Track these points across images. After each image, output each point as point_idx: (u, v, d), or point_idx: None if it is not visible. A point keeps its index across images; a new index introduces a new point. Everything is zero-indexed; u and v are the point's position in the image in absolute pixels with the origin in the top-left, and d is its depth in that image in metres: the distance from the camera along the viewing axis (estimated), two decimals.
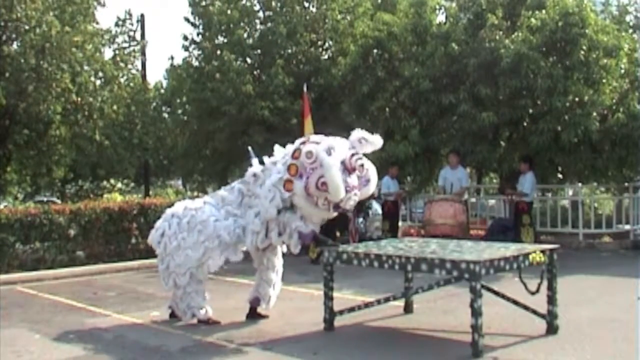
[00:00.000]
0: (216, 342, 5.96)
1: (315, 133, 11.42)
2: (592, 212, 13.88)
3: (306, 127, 11.35)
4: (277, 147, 6.69)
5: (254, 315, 6.85)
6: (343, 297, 7.32)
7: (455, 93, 12.02)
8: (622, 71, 12.05)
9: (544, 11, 11.74)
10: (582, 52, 11.22)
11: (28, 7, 12.82)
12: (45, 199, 25.14)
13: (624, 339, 5.66)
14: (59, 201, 23.86)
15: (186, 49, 15.59)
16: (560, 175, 13.59)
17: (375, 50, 13.39)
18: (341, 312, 6.29)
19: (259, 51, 15.03)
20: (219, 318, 6.71)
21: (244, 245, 6.55)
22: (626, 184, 13.35)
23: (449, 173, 11.41)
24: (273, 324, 6.62)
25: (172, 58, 16.64)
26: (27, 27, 13.05)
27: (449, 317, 6.68)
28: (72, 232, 11.17)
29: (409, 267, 5.75)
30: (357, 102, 13.20)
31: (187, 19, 15.60)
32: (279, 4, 15.17)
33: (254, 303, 6.87)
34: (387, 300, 6.31)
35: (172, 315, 6.95)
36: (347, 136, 6.48)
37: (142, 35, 16.97)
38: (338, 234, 11.80)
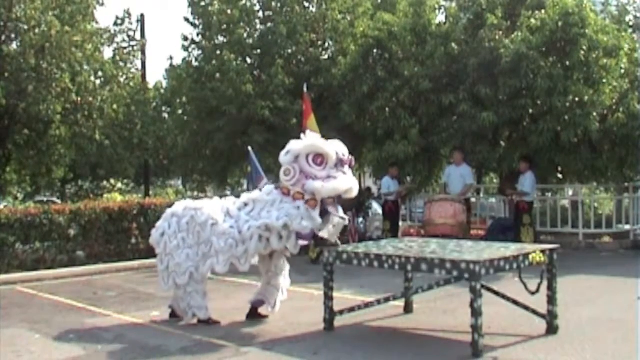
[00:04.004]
0: (216, 342, 5.95)
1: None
2: (592, 212, 13.88)
3: (309, 126, 11.35)
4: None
5: (254, 315, 6.83)
6: (343, 297, 7.31)
7: (455, 93, 12.02)
8: (622, 71, 12.05)
9: (543, 11, 11.74)
10: (582, 52, 11.22)
11: (28, 6, 12.82)
12: (45, 199, 25.15)
13: (624, 339, 5.66)
14: (59, 201, 23.88)
15: (186, 49, 15.58)
16: (560, 175, 13.59)
17: (375, 50, 13.39)
18: (341, 312, 6.29)
19: (259, 51, 15.01)
20: (219, 318, 6.71)
21: (245, 255, 6.38)
22: (626, 184, 13.35)
23: (453, 170, 11.42)
24: (273, 324, 6.62)
25: (171, 58, 16.66)
26: (26, 27, 13.05)
27: (449, 317, 6.68)
28: (72, 232, 11.17)
29: (409, 267, 5.75)
30: (357, 102, 13.19)
31: (187, 19, 15.60)
32: (279, 4, 15.16)
33: (257, 304, 6.83)
34: (387, 300, 6.32)
35: (173, 315, 6.94)
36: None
37: (142, 35, 16.98)
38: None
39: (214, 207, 6.61)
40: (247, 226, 6.32)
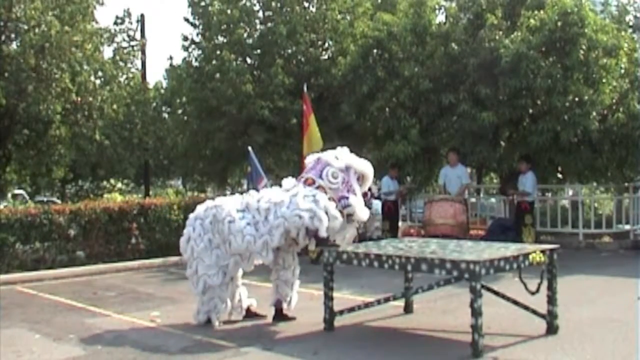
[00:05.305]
0: (216, 342, 5.96)
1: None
2: (592, 212, 13.87)
3: (311, 126, 11.36)
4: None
5: (279, 316, 6.76)
6: (343, 297, 7.32)
7: (455, 93, 12.02)
8: (622, 71, 12.05)
9: (542, 11, 11.74)
10: (582, 52, 11.22)
11: (27, 6, 12.80)
12: (45, 199, 25.17)
13: (624, 339, 5.67)
14: (59, 201, 23.89)
15: (186, 49, 15.58)
16: (560, 175, 13.59)
17: (375, 50, 13.38)
18: (341, 312, 6.29)
19: (259, 51, 15.01)
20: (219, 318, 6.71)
21: (266, 247, 6.31)
22: (626, 184, 13.35)
23: (449, 171, 11.43)
24: (273, 324, 6.63)
25: (171, 58, 16.66)
26: (26, 27, 13.04)
27: (449, 317, 6.69)
28: (72, 232, 11.16)
29: (409, 267, 5.75)
30: (357, 102, 13.19)
31: (187, 19, 15.60)
32: (279, 4, 15.16)
33: (278, 305, 6.79)
34: (387, 300, 6.32)
35: (249, 312, 6.90)
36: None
37: (142, 35, 16.98)
38: None
39: (232, 204, 6.54)
40: (272, 215, 6.24)
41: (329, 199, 6.24)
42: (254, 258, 6.45)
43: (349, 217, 6.32)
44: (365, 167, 6.60)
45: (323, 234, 6.12)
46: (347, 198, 6.28)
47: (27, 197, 25.90)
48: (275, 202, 6.33)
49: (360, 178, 6.56)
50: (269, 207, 6.32)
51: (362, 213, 6.38)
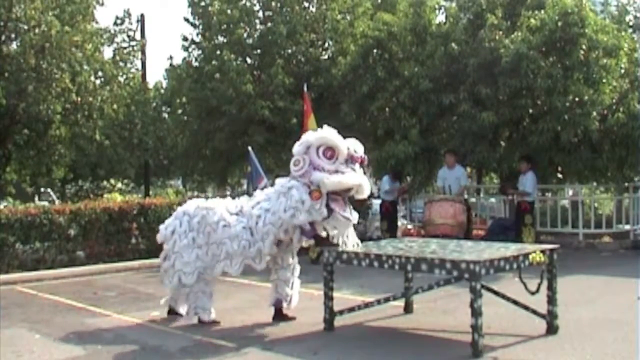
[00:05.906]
0: (216, 342, 5.96)
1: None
2: (592, 212, 13.86)
3: (310, 126, 11.36)
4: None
5: (279, 316, 6.75)
6: (343, 297, 7.32)
7: (455, 93, 12.02)
8: (622, 71, 12.04)
9: (543, 11, 11.74)
10: (582, 52, 11.22)
11: (27, 6, 12.82)
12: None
13: (624, 339, 5.66)
14: (59, 201, 23.91)
15: (186, 49, 15.60)
16: (560, 175, 13.58)
17: (375, 50, 13.38)
18: (341, 312, 6.29)
19: (259, 51, 15.03)
20: (219, 318, 6.70)
21: (260, 254, 6.35)
22: (626, 184, 13.34)
23: (447, 173, 11.42)
24: (273, 324, 6.62)
25: (171, 58, 16.67)
26: (26, 27, 13.06)
27: (449, 317, 6.69)
28: (72, 232, 11.16)
29: (409, 267, 5.75)
30: (357, 102, 13.19)
31: (187, 19, 15.61)
32: (279, 4, 15.17)
33: (277, 304, 6.77)
34: (387, 300, 6.32)
35: (171, 312, 6.93)
36: (346, 136, 6.48)
37: (142, 35, 16.99)
38: None
39: (225, 207, 6.53)
40: (261, 222, 6.26)
41: (303, 185, 6.16)
42: (245, 263, 6.42)
43: (332, 195, 6.15)
44: (322, 138, 6.23)
45: (300, 219, 6.08)
46: (311, 175, 6.15)
47: (54, 197, 25.97)
48: (266, 208, 6.34)
49: (329, 150, 6.20)
50: (260, 214, 6.34)
51: (329, 180, 6.03)
